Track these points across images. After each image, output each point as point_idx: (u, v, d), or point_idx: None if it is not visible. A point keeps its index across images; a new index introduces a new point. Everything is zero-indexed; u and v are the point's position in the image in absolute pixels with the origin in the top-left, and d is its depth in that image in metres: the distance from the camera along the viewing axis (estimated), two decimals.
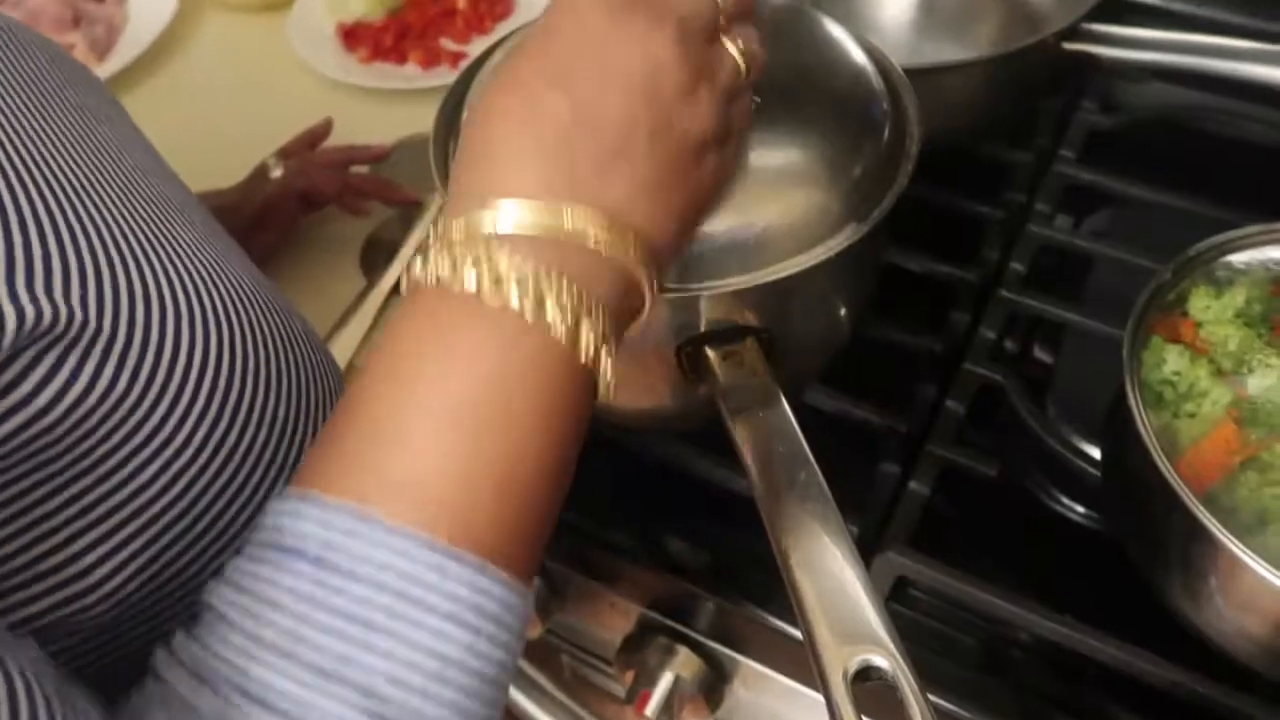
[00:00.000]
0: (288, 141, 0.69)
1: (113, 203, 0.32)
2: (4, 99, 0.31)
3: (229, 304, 0.34)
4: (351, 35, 0.81)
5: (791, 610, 0.34)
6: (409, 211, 0.69)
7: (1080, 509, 0.54)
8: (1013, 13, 0.70)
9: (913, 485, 0.51)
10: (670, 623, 0.53)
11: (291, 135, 0.72)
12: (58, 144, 0.32)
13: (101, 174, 0.33)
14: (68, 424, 0.28)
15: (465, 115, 0.46)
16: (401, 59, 0.79)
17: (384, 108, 0.77)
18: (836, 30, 0.48)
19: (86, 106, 0.35)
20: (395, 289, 0.64)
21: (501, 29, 0.82)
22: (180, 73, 0.83)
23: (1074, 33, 0.57)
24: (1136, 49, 0.58)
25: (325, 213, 0.68)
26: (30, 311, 0.27)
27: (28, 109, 0.32)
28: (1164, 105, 0.68)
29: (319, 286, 0.66)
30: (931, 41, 0.71)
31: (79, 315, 0.28)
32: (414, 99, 0.77)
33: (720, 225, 0.40)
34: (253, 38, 0.85)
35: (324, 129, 0.70)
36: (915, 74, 0.48)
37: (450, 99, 0.49)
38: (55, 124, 0.32)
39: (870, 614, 0.34)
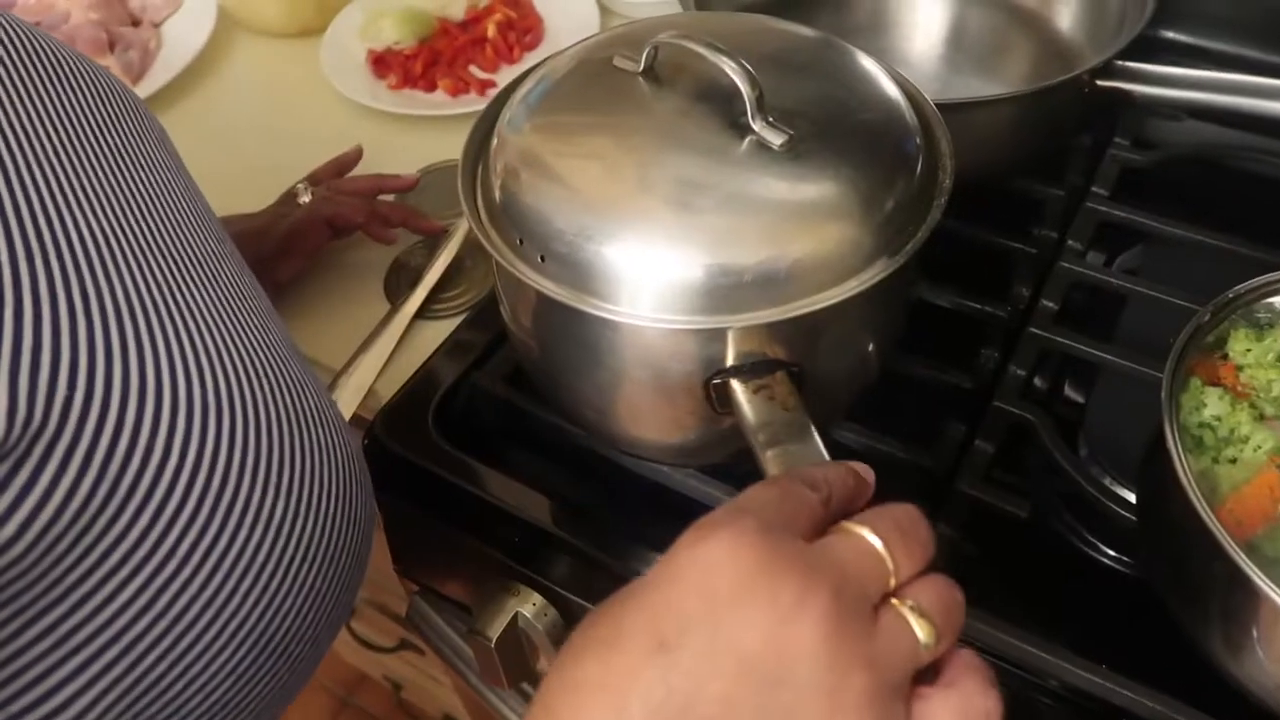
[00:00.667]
0: (317, 168, 0.70)
1: (128, 269, 0.30)
2: (33, 144, 0.29)
3: (233, 387, 0.32)
4: (382, 62, 0.81)
5: None
6: (433, 237, 0.69)
7: (1112, 552, 0.53)
8: (1044, 48, 0.69)
9: (940, 526, 0.50)
10: None
11: (321, 160, 0.72)
12: (81, 197, 0.30)
13: (123, 232, 0.31)
14: (38, 550, 0.26)
15: (495, 142, 0.46)
16: (431, 86, 0.80)
17: (412, 134, 0.78)
18: (868, 63, 0.48)
19: (126, 150, 0.34)
20: (418, 313, 0.64)
21: (530, 58, 0.82)
22: (213, 96, 0.84)
23: (1108, 70, 0.57)
24: (1170, 86, 0.58)
25: (351, 238, 0.68)
26: (4, 420, 0.25)
27: (58, 155, 0.30)
28: (1198, 143, 0.68)
29: (343, 310, 0.66)
30: (961, 76, 0.70)
31: (54, 419, 0.26)
32: (442, 125, 0.78)
33: (750, 257, 0.40)
34: (285, 63, 0.86)
35: (353, 156, 0.71)
36: (947, 109, 0.48)
37: (480, 128, 0.49)
38: (85, 173, 0.31)
39: None
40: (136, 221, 0.32)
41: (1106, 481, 0.53)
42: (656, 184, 0.41)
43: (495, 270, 0.49)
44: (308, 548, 0.35)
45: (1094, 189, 0.65)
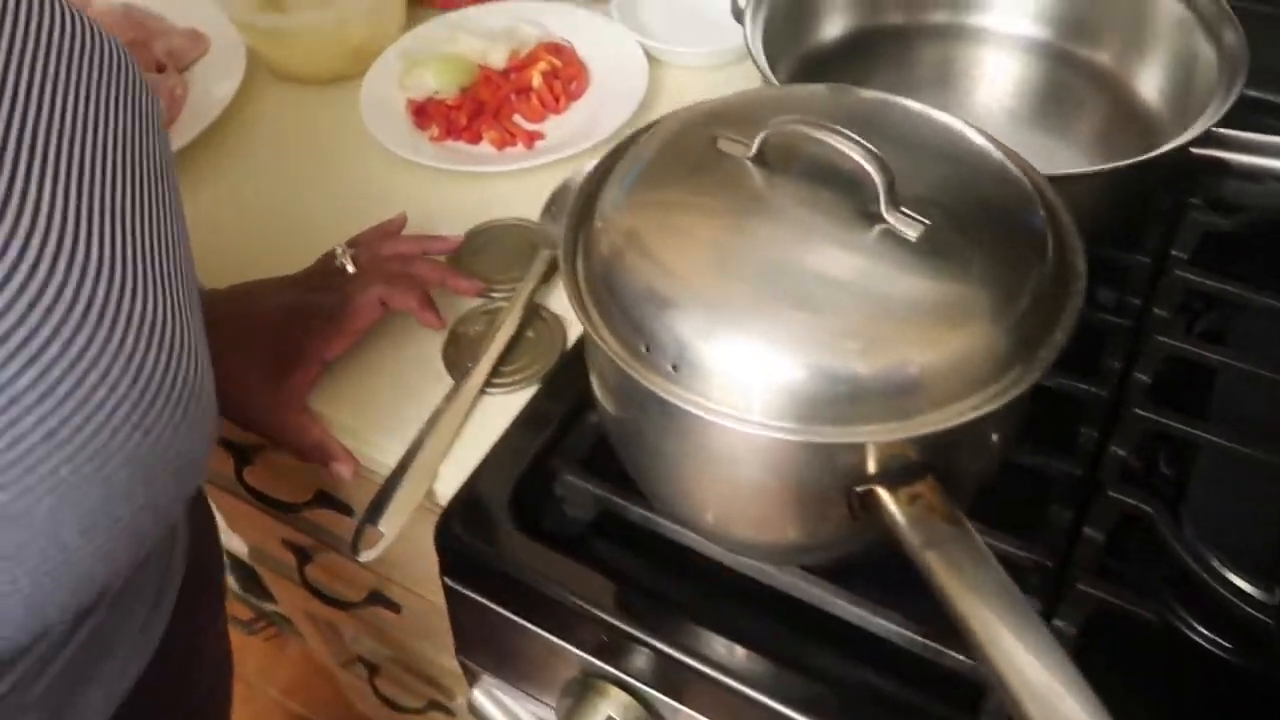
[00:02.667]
0: (359, 233, 0.66)
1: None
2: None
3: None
4: (423, 112, 0.78)
5: None
6: (490, 305, 0.66)
7: (1225, 642, 0.51)
8: (1116, 107, 0.68)
9: (1058, 624, 0.47)
10: None
11: (360, 213, 0.69)
12: None
13: None
14: None
15: (598, 225, 0.44)
16: (475, 138, 0.77)
17: (456, 187, 0.75)
18: (975, 135, 0.46)
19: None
20: (482, 389, 0.61)
21: (575, 108, 0.79)
22: (244, 147, 0.80)
23: (1205, 137, 0.55)
24: (1268, 155, 0.56)
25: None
26: None
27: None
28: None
29: (401, 384, 0.63)
30: (1031, 135, 0.69)
31: None
32: (487, 180, 0.75)
33: (900, 363, 0.38)
34: (319, 111, 0.82)
35: (398, 224, 0.68)
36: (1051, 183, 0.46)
37: (579, 202, 0.46)
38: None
39: None
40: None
41: (1218, 567, 0.51)
42: (795, 286, 0.39)
43: (602, 370, 0.46)
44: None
45: (1174, 253, 0.63)
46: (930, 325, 0.39)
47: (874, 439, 0.38)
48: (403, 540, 0.57)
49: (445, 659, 0.89)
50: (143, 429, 0.34)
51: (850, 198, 0.41)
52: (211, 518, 0.64)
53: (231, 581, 1.32)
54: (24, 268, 0.30)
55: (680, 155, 0.45)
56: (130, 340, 0.33)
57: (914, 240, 0.39)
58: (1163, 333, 0.58)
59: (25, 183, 0.30)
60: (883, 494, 0.39)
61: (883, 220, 0.40)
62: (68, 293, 0.31)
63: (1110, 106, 0.67)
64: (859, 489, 0.40)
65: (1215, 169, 0.57)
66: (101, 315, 0.32)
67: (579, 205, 0.46)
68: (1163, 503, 0.51)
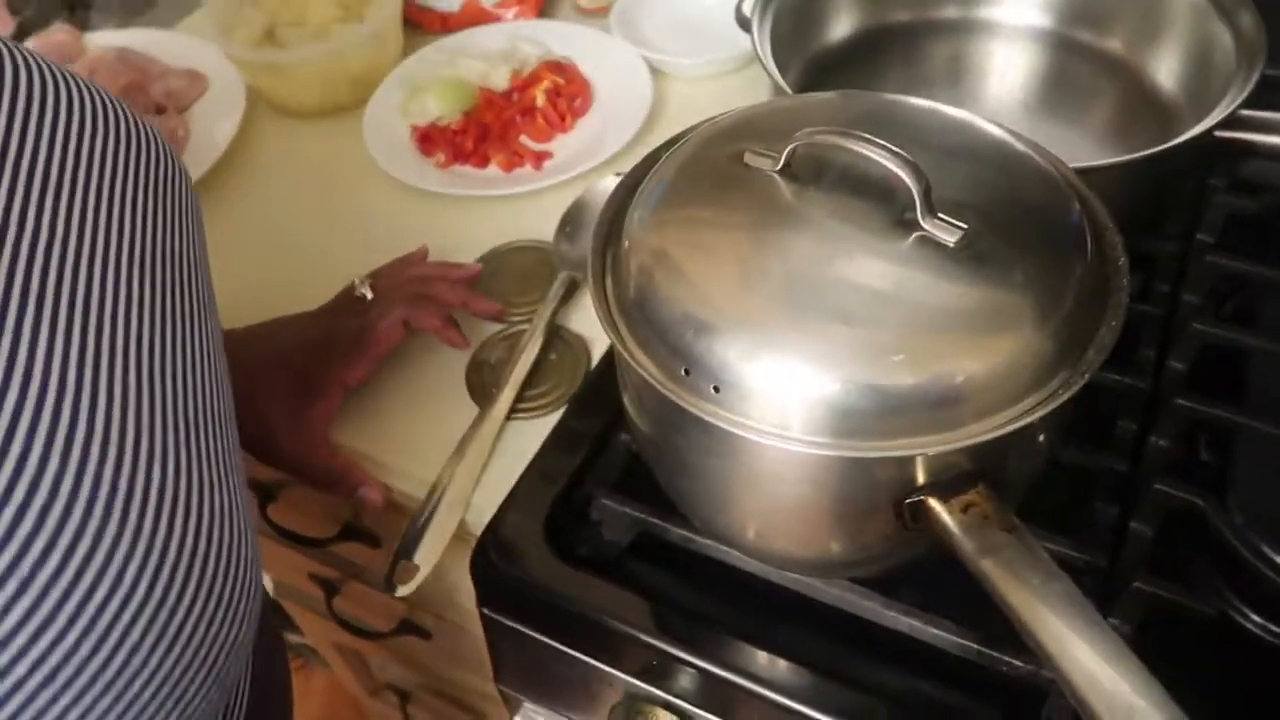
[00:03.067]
0: (379, 267, 0.66)
1: None
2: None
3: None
4: (428, 139, 0.78)
5: None
6: (510, 329, 0.65)
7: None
8: (1130, 94, 0.67)
9: (1113, 623, 0.46)
10: None
11: (372, 243, 0.69)
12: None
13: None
14: None
15: (626, 245, 0.43)
16: (483, 162, 0.76)
17: (466, 212, 0.74)
18: (1003, 134, 0.45)
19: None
20: (510, 413, 0.60)
21: (581, 126, 0.79)
22: (250, 184, 0.80)
23: (1230, 120, 0.54)
24: None
25: (426, 337, 0.64)
26: None
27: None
28: None
29: (426, 412, 0.62)
30: (1046, 126, 0.68)
31: None
32: (498, 203, 0.74)
33: (945, 374, 0.37)
34: (323, 144, 0.82)
35: (419, 257, 0.67)
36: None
37: (603, 223, 0.45)
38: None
39: None
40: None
41: (1265, 550, 0.50)
42: (833, 300, 0.38)
43: (637, 393, 0.45)
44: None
45: (1200, 237, 0.62)
46: (974, 334, 0.38)
47: (923, 451, 0.37)
48: (434, 568, 0.56)
49: (477, 681, 0.88)
50: (166, 640, 0.29)
51: (884, 206, 0.40)
52: (283, 650, 0.57)
53: None
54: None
55: (705, 171, 0.44)
56: (145, 533, 0.28)
57: (952, 246, 0.39)
58: (1196, 319, 0.57)
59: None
60: (935, 505, 0.38)
61: (919, 227, 0.39)
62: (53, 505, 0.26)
63: (1124, 94, 0.66)
64: (910, 501, 0.39)
65: (1241, 151, 0.56)
66: (108, 508, 0.27)
67: (604, 226, 0.46)
68: (1212, 493, 0.50)
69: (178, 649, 0.29)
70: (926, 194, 0.39)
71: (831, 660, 0.48)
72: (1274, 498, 0.52)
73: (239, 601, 0.32)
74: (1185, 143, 0.52)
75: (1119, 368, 0.55)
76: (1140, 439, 0.54)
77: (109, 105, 0.33)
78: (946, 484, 0.39)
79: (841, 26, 0.70)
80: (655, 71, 0.81)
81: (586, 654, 0.53)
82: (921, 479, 0.39)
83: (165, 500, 0.29)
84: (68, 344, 0.28)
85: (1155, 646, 0.48)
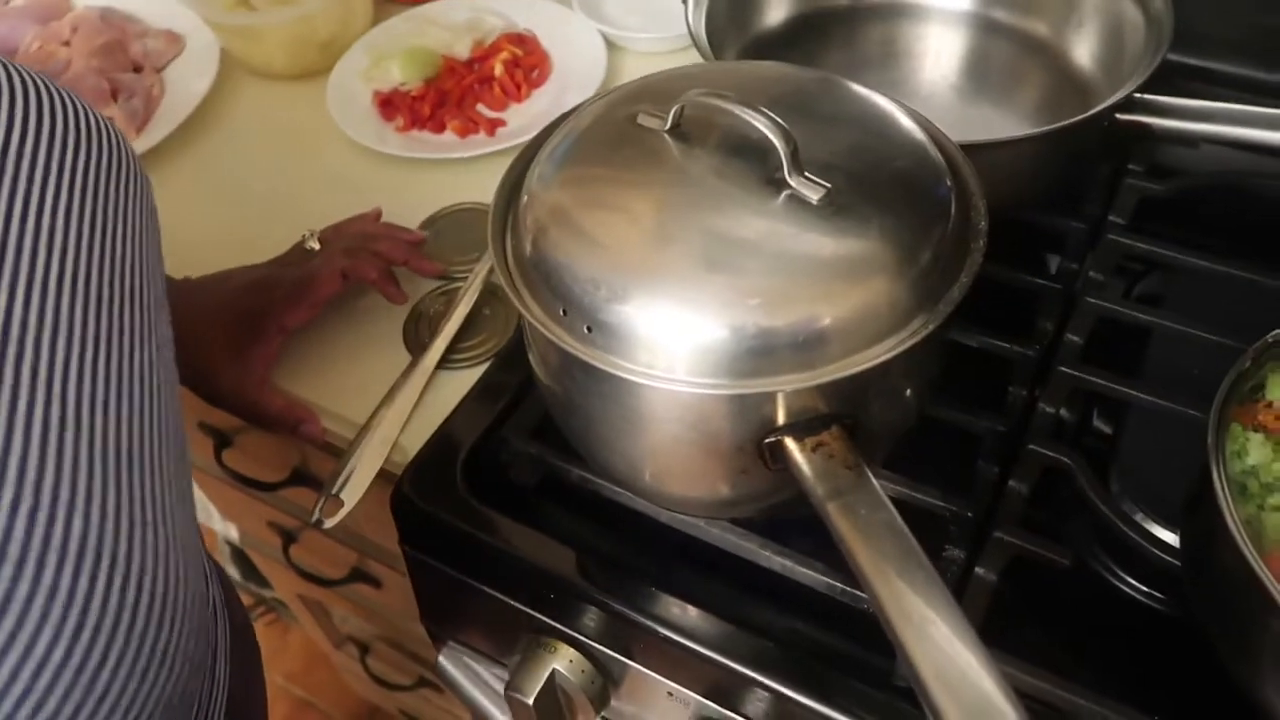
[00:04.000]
0: (329, 226, 0.69)
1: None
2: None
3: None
4: (389, 104, 0.81)
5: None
6: (450, 285, 0.68)
7: (1147, 589, 0.52)
8: (1056, 77, 0.69)
9: (979, 571, 0.49)
10: (730, 714, 0.52)
11: (329, 204, 0.72)
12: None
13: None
14: None
15: (525, 200, 0.46)
16: (439, 128, 0.79)
17: (422, 175, 0.77)
18: (888, 105, 0.48)
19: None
20: (439, 364, 0.63)
21: (537, 95, 0.82)
22: (218, 142, 0.83)
23: (1128, 104, 0.57)
24: (1190, 119, 0.58)
25: (365, 287, 0.67)
26: None
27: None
28: (1216, 170, 0.67)
29: (361, 361, 0.65)
30: (974, 107, 0.70)
31: None
32: (451, 167, 0.77)
33: (801, 318, 0.40)
34: (290, 106, 0.85)
35: (372, 218, 0.70)
36: (969, 149, 0.48)
37: (503, 193, 0.49)
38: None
39: (996, 695, 0.33)
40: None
41: (1140, 519, 0.52)
42: (702, 249, 0.41)
43: (530, 336, 0.48)
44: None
45: (1112, 218, 0.65)
46: (832, 280, 0.41)
47: (777, 389, 0.40)
48: (374, 517, 0.60)
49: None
50: (90, 706, 0.26)
51: (759, 166, 0.43)
52: (256, 655, 0.54)
53: (232, 571, 1.36)
54: None
55: (604, 131, 0.47)
56: (62, 593, 0.26)
57: (816, 203, 0.41)
58: (1095, 295, 0.60)
59: None
60: (790, 444, 0.41)
61: (787, 186, 0.42)
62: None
63: (1049, 75, 0.69)
64: (769, 440, 0.42)
65: (1139, 134, 0.58)
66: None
67: (508, 182, 0.49)
68: (1084, 456, 0.53)
69: (104, 710, 0.27)
70: (794, 155, 0.41)
71: (717, 600, 0.51)
72: (1154, 466, 0.54)
73: (175, 650, 0.29)
74: (1078, 124, 0.55)
75: (1014, 337, 0.58)
76: (1030, 406, 0.56)
77: (63, 101, 0.31)
78: (803, 425, 0.41)
79: (778, 10, 0.72)
80: (612, 46, 0.84)
81: (494, 589, 0.56)
82: (780, 419, 0.41)
83: (87, 553, 0.26)
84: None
85: (1032, 599, 0.52)
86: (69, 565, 0.26)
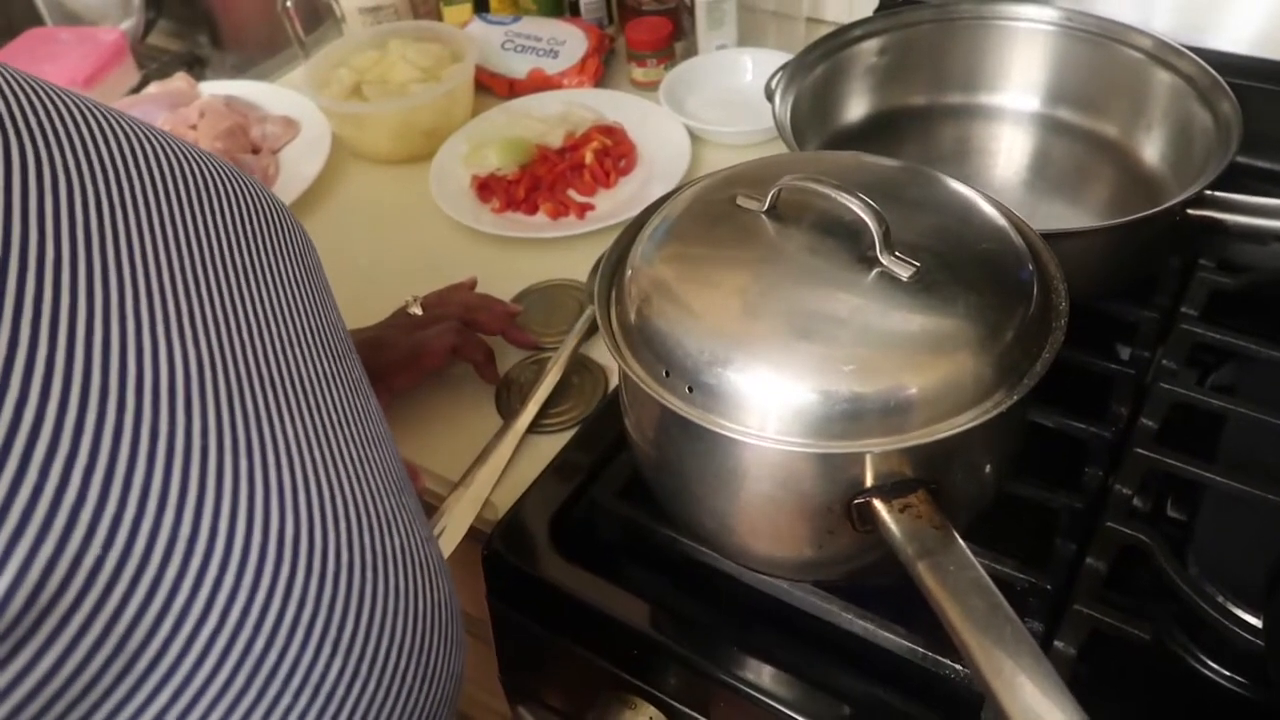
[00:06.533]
0: (431, 293, 0.73)
1: (214, 403, 0.28)
2: (135, 274, 0.28)
3: (301, 530, 0.29)
4: (486, 187, 0.86)
5: None
6: (540, 355, 0.72)
7: (1229, 673, 0.53)
8: (1125, 175, 0.73)
9: (1058, 644, 0.50)
10: None
11: (428, 278, 0.77)
12: (178, 325, 0.28)
13: (219, 361, 0.29)
14: None
15: (629, 273, 0.50)
16: (532, 209, 0.84)
17: (515, 253, 0.82)
18: (971, 194, 0.51)
19: (249, 268, 0.32)
20: (529, 428, 0.67)
21: (624, 183, 0.87)
22: (327, 219, 0.89)
23: (1199, 200, 0.59)
24: (1262, 216, 0.60)
25: None
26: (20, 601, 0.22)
27: (162, 282, 0.28)
28: None
29: (457, 424, 0.69)
30: (1045, 202, 0.74)
31: (75, 587, 0.24)
32: (542, 246, 0.82)
33: (891, 386, 0.42)
34: (395, 188, 0.91)
35: (468, 286, 0.75)
36: (1046, 238, 0.51)
37: (612, 255, 0.52)
38: (190, 298, 0.29)
39: None
40: (239, 348, 0.30)
41: (1221, 600, 0.53)
42: (797, 319, 0.44)
43: (627, 393, 0.52)
44: (367, 712, 0.31)
45: (1184, 310, 0.67)
46: (919, 352, 0.43)
47: (866, 449, 0.42)
48: (456, 578, 0.62)
49: (486, 698, 0.92)
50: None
51: (852, 244, 0.47)
52: None
53: None
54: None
55: (703, 212, 0.51)
56: (408, 591, 0.31)
57: (906, 280, 0.44)
58: (1168, 381, 0.61)
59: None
60: (878, 504, 0.43)
61: (879, 263, 0.45)
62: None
63: (1119, 173, 0.72)
64: (858, 501, 0.44)
65: (1212, 229, 0.61)
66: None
67: (613, 257, 0.53)
68: (1163, 536, 0.54)
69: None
70: (886, 235, 0.45)
71: (797, 661, 0.53)
72: (1231, 549, 0.55)
73: (449, 658, 0.35)
74: (1150, 216, 0.58)
75: (1090, 419, 0.60)
76: (1105, 485, 0.58)
77: (247, 185, 0.34)
78: (890, 488, 0.44)
79: (859, 107, 0.77)
80: (695, 139, 0.89)
81: (576, 644, 0.58)
82: (869, 480, 0.44)
83: (407, 559, 0.33)
84: (300, 424, 0.30)
85: (1112, 679, 0.52)
86: (397, 571, 0.32)
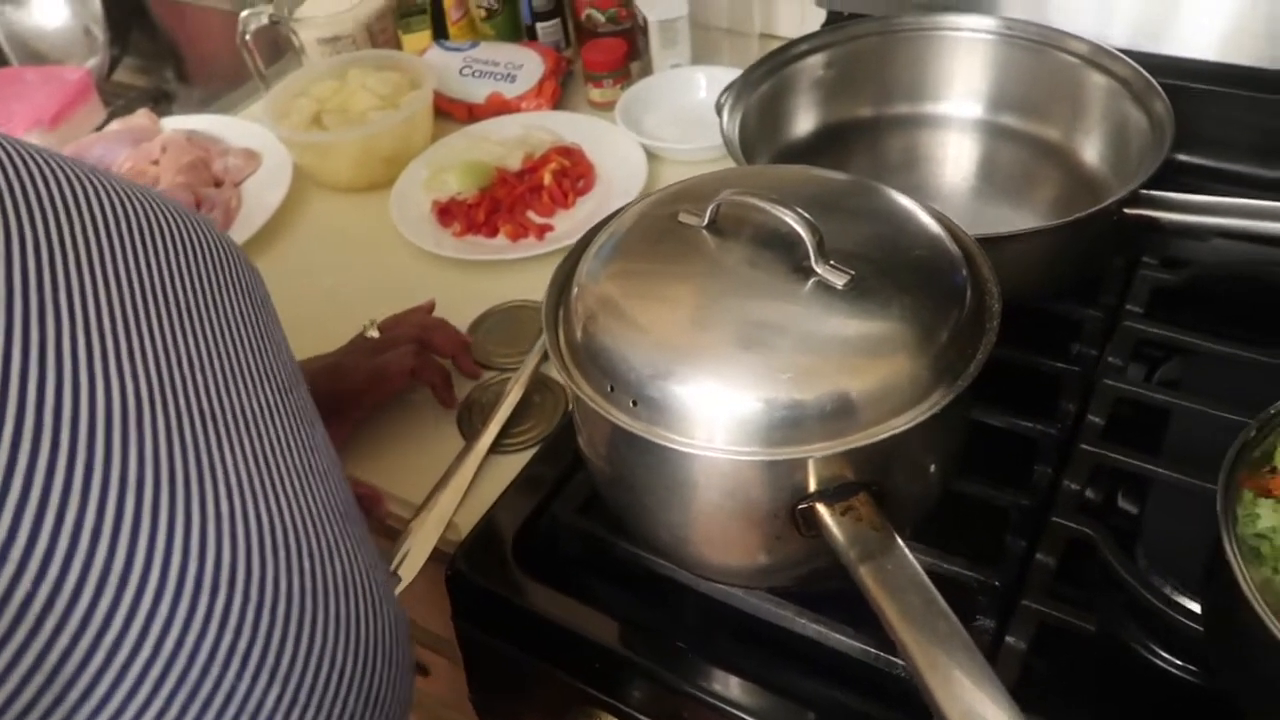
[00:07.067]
0: (389, 317, 0.74)
1: (152, 435, 0.29)
2: (74, 310, 0.28)
3: (238, 561, 0.30)
4: (446, 211, 0.87)
5: None
6: (501, 376, 0.73)
7: (1179, 661, 0.54)
8: (1069, 178, 0.74)
9: (1010, 640, 0.51)
10: None
11: (392, 301, 0.77)
12: (122, 358, 0.29)
13: (161, 393, 0.30)
14: None
15: (575, 291, 0.51)
16: (492, 232, 0.85)
17: (477, 275, 0.83)
18: (908, 203, 0.53)
19: (194, 303, 0.33)
20: (491, 448, 0.67)
21: (583, 203, 0.88)
22: (290, 247, 0.90)
23: (1135, 199, 0.61)
24: (1195, 213, 0.62)
25: None
26: None
27: (100, 316, 0.29)
28: (1225, 260, 0.71)
29: (419, 446, 0.69)
30: (992, 207, 0.75)
31: (2, 625, 0.24)
32: (504, 268, 0.83)
33: (829, 391, 0.43)
34: (356, 215, 0.92)
35: (426, 308, 0.76)
36: (985, 241, 0.52)
37: (555, 284, 0.53)
38: (133, 332, 0.30)
39: None
40: (180, 381, 0.31)
41: (1168, 591, 0.54)
42: (736, 330, 0.45)
43: (578, 411, 0.52)
44: None
45: (1128, 307, 0.68)
46: (856, 356, 0.45)
47: (807, 454, 0.43)
48: (425, 599, 0.63)
49: (459, 718, 0.93)
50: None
51: (789, 256, 0.48)
52: None
53: None
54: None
55: (647, 229, 0.52)
56: (346, 620, 0.32)
57: (841, 288, 0.46)
58: (1113, 378, 0.63)
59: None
60: (821, 509, 0.44)
61: (815, 273, 0.46)
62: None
63: (1062, 175, 0.73)
64: (802, 506, 0.45)
65: (1148, 227, 0.62)
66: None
67: (560, 276, 0.54)
68: (1112, 529, 0.55)
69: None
70: (820, 245, 0.46)
71: (760, 669, 0.53)
72: (1178, 541, 0.56)
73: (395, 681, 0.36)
74: (1087, 217, 0.59)
75: (1037, 418, 0.61)
76: (1054, 482, 0.59)
77: (183, 219, 0.34)
78: (833, 492, 0.45)
79: (806, 122, 0.78)
80: (652, 157, 0.90)
81: (543, 660, 0.58)
82: (811, 485, 0.45)
83: (350, 588, 0.34)
84: (240, 455, 0.31)
85: (1065, 670, 0.53)
86: (339, 599, 0.33)
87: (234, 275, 0.36)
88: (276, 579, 0.31)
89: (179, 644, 0.28)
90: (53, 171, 0.30)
